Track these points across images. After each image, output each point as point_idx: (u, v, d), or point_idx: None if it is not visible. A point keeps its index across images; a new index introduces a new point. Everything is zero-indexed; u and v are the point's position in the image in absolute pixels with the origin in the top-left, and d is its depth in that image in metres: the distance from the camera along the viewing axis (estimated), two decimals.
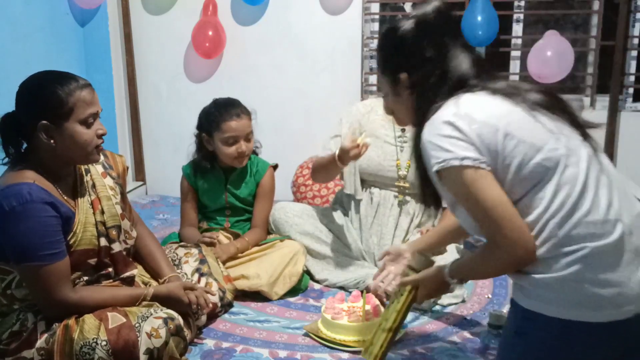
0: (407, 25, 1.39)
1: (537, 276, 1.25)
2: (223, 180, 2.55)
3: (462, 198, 1.28)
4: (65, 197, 1.70)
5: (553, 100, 1.35)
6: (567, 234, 1.23)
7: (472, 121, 1.26)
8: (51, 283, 1.61)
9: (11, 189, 1.57)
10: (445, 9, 1.40)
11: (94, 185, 1.81)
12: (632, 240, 1.24)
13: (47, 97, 1.61)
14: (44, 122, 1.61)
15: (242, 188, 2.55)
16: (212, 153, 2.51)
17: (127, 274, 1.85)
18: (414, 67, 1.38)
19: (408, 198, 2.46)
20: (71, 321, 1.64)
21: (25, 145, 1.69)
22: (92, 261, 1.77)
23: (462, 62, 1.35)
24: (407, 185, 2.44)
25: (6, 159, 1.68)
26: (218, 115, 2.44)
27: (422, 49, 1.36)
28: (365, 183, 2.52)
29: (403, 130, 2.45)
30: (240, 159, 2.47)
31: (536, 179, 1.26)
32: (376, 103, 2.54)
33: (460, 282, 1.43)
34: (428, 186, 1.40)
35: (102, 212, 1.79)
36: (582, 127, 1.36)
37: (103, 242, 1.77)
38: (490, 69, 1.40)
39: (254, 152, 2.59)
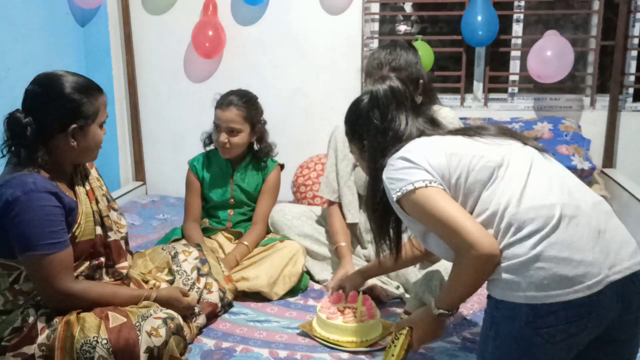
0: (365, 99, 1.62)
1: (504, 264, 1.33)
2: (230, 172, 2.57)
3: (423, 218, 1.41)
4: (67, 190, 1.73)
5: (495, 128, 1.52)
6: (525, 217, 1.31)
7: (420, 151, 1.44)
8: (53, 273, 1.62)
9: (16, 179, 1.60)
10: (395, 86, 1.60)
11: (86, 176, 1.85)
12: (592, 222, 1.33)
13: (82, 103, 1.67)
14: (75, 125, 1.66)
15: (249, 181, 2.56)
16: None
17: (121, 264, 1.87)
18: (368, 133, 1.59)
19: None
20: (72, 317, 1.64)
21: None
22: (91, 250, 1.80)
23: (405, 126, 1.55)
24: None
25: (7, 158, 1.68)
26: (218, 101, 2.51)
27: (372, 118, 1.58)
28: (365, 197, 2.51)
29: None
30: (221, 149, 2.50)
31: (485, 180, 1.39)
32: None
33: (449, 312, 1.47)
34: (384, 230, 1.59)
35: (97, 202, 1.82)
36: (525, 140, 1.50)
37: (98, 230, 1.79)
38: (435, 125, 1.60)
39: (266, 154, 2.58)
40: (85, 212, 1.75)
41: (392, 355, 1.53)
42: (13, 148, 1.65)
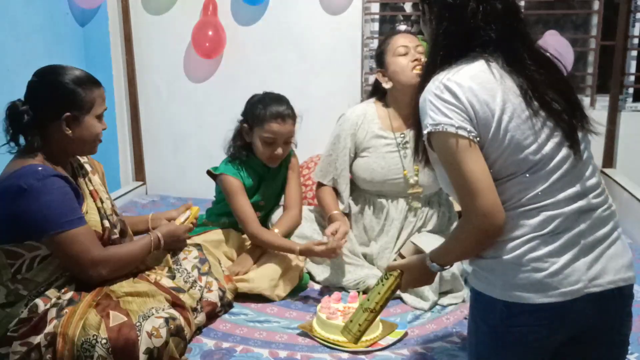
0: None
1: (486, 260, 1.32)
2: (263, 174, 2.51)
3: (447, 163, 1.30)
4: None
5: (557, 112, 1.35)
6: (517, 222, 1.28)
7: (473, 96, 1.27)
8: (85, 244, 1.70)
9: (24, 169, 1.66)
10: None
11: (90, 179, 1.90)
12: (583, 233, 1.29)
13: (76, 93, 1.73)
14: (69, 114, 1.71)
15: (278, 178, 2.55)
16: (249, 145, 2.45)
17: None
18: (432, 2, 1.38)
19: (421, 204, 2.43)
20: (81, 306, 1.69)
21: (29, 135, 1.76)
22: None
23: (478, 23, 1.31)
24: (420, 190, 2.40)
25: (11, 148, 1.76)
26: (264, 112, 2.36)
27: None
28: (369, 195, 2.48)
29: (402, 135, 2.42)
30: (274, 161, 2.44)
31: (508, 172, 1.29)
32: (367, 108, 2.48)
33: (441, 267, 1.42)
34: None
35: (102, 202, 1.88)
36: (572, 126, 1.38)
37: (106, 224, 1.85)
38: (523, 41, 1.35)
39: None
40: (88, 205, 1.81)
41: (379, 293, 1.53)
42: (12, 136, 1.72)
